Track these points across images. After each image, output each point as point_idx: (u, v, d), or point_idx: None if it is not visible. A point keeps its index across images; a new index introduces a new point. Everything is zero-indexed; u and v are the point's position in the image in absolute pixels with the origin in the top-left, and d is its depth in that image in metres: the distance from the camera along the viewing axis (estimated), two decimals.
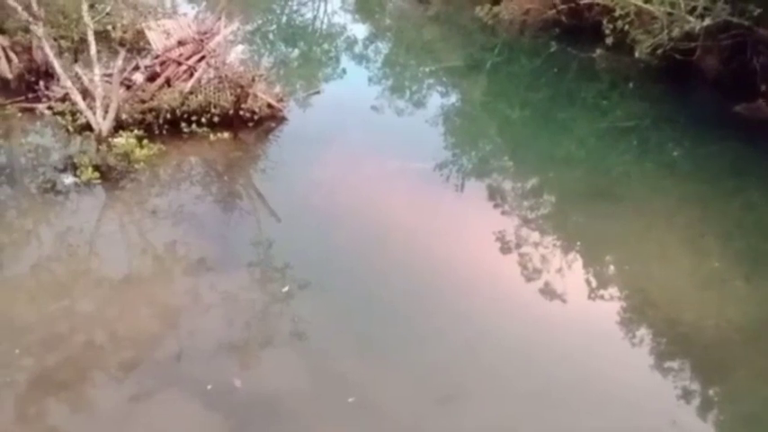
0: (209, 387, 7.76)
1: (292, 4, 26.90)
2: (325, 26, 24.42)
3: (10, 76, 13.54)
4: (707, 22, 15.21)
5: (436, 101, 18.02)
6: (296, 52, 21.58)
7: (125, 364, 8.04)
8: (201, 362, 8.21)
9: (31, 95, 13.33)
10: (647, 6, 15.74)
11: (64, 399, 7.53)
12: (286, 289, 9.35)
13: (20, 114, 12.69)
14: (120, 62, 11.47)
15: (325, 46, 22.62)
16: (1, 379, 7.65)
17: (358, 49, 21.54)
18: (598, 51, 18.11)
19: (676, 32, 14.98)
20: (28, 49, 13.79)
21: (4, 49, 13.54)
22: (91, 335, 8.46)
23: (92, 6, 12.27)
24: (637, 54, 16.28)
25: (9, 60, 13.58)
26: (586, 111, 17.74)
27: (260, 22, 23.00)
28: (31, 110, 13.06)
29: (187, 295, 9.35)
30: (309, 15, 25.58)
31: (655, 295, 10.23)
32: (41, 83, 13.53)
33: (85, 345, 8.28)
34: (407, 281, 9.95)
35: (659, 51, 15.55)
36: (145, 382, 7.84)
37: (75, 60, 14.30)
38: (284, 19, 25.50)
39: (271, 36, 22.50)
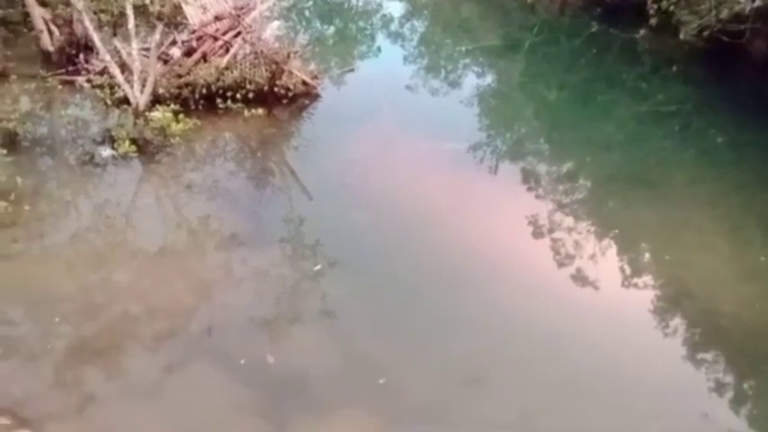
0: (241, 362, 7.88)
1: None
2: (360, 3, 24.15)
3: (51, 48, 13.71)
4: (758, 3, 14.60)
5: (472, 81, 17.73)
6: (331, 29, 21.40)
7: (158, 335, 8.22)
8: (232, 335, 8.35)
9: (71, 68, 13.51)
10: None
11: (100, 366, 7.72)
12: (318, 268, 9.38)
13: (60, 87, 12.87)
14: (157, 36, 11.53)
15: (361, 23, 22.35)
16: (40, 346, 7.89)
17: (393, 27, 21.26)
18: (641, 32, 17.54)
19: (725, 14, 14.39)
20: (69, 23, 13.91)
21: (45, 22, 13.71)
22: (126, 305, 8.63)
23: None
24: (682, 36, 15.76)
25: (51, 33, 13.75)
26: (626, 93, 17.25)
27: None
28: (71, 82, 13.25)
29: (220, 269, 9.49)
30: None
31: (692, 285, 10.02)
32: (81, 56, 13.71)
33: (121, 315, 8.46)
34: (437, 263, 9.92)
35: (705, 33, 14.98)
36: (177, 354, 8.02)
37: (114, 34, 14.45)
38: None
39: (306, 13, 22.37)
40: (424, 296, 9.33)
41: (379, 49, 19.19)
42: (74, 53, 13.70)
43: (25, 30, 14.51)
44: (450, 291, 9.46)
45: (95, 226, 10.05)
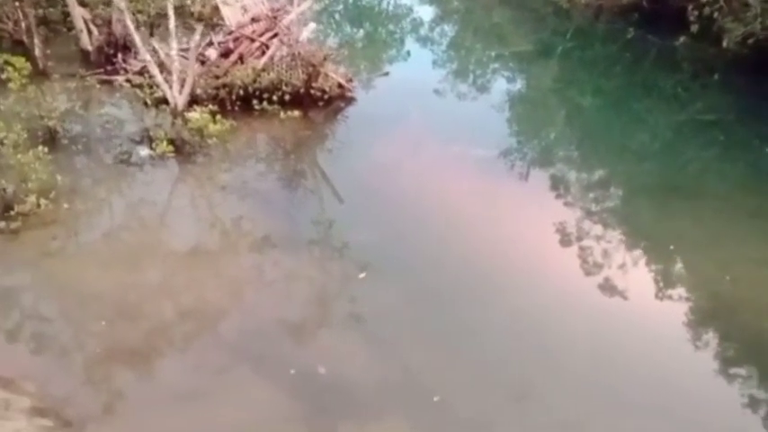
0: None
1: None
2: (390, 7, 24.10)
3: (90, 48, 13.87)
4: None
5: (502, 86, 17.58)
6: (361, 33, 21.38)
7: (190, 336, 8.21)
8: (269, 340, 8.31)
9: (109, 68, 13.65)
10: None
11: (141, 369, 7.72)
12: (363, 275, 9.29)
13: (99, 86, 12.98)
14: (197, 37, 11.58)
15: (391, 27, 22.32)
16: (79, 346, 7.91)
17: (423, 31, 21.17)
18: (681, 39, 17.14)
19: None
20: (108, 23, 14.08)
21: (85, 21, 13.88)
22: (160, 305, 8.65)
23: None
24: (725, 43, 15.34)
25: (90, 33, 13.91)
26: (664, 101, 16.94)
27: (327, 1, 22.89)
28: (110, 82, 13.37)
29: (252, 270, 9.48)
30: None
31: (733, 300, 9.73)
32: (119, 56, 13.85)
33: (155, 314, 8.47)
34: (466, 271, 9.78)
35: (750, 41, 14.57)
36: (208, 355, 7.99)
37: (151, 35, 14.59)
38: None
39: (336, 16, 22.38)
40: (457, 304, 9.19)
41: (408, 53, 19.10)
42: (112, 53, 13.85)
43: (64, 29, 14.70)
44: (480, 299, 9.32)
45: (131, 225, 10.11)
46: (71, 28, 14.24)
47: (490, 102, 16.22)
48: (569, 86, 18.02)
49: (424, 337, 8.57)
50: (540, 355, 8.48)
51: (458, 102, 16.10)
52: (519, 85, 18.38)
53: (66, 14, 14.47)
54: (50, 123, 11.16)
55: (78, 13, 13.69)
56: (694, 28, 15.75)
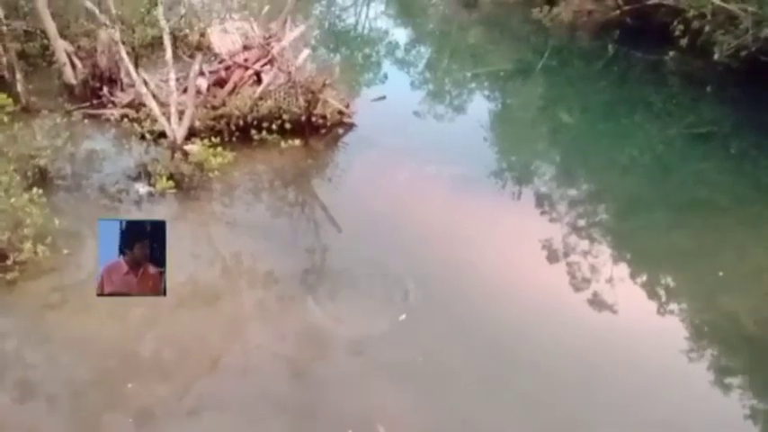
0: None
1: (335, 9, 26.43)
2: (366, 31, 23.90)
3: (74, 81, 13.19)
4: None
5: (487, 105, 17.39)
6: (337, 57, 21.02)
7: (189, 381, 7.67)
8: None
9: (95, 102, 13.00)
10: (729, 7, 14.89)
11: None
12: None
13: (86, 121, 12.32)
14: (197, 67, 11.03)
15: (367, 51, 22.09)
16: (65, 390, 7.27)
17: (400, 53, 20.91)
18: (671, 54, 17.22)
19: (765, 33, 14.09)
20: (91, 55, 13.43)
21: (68, 54, 13.20)
22: (159, 347, 8.11)
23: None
24: (716, 56, 15.43)
25: (74, 66, 13.24)
26: (654, 116, 16.87)
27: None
28: (97, 116, 12.71)
29: (256, 308, 9.00)
30: (351, 20, 25.09)
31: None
32: (105, 89, 13.20)
33: (152, 357, 7.91)
34: (473, 302, 9.38)
35: (743, 53, 14.69)
36: (206, 398, 7.50)
37: (137, 66, 13.95)
38: (326, 24, 25.03)
39: (313, 41, 22.03)
40: (473, 337, 8.79)
41: (386, 76, 18.81)
42: (98, 86, 13.17)
43: (44, 63, 13.99)
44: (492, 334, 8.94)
45: None
46: (51, 62, 13.56)
47: (477, 122, 15.86)
48: (554, 104, 17.86)
49: (454, 377, 8.17)
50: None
51: (435, 123, 15.76)
52: (503, 103, 18.20)
53: (46, 48, 13.79)
54: (41, 162, 10.46)
55: (60, 46, 13.02)
56: (684, 42, 15.79)
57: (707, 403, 8.32)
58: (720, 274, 10.47)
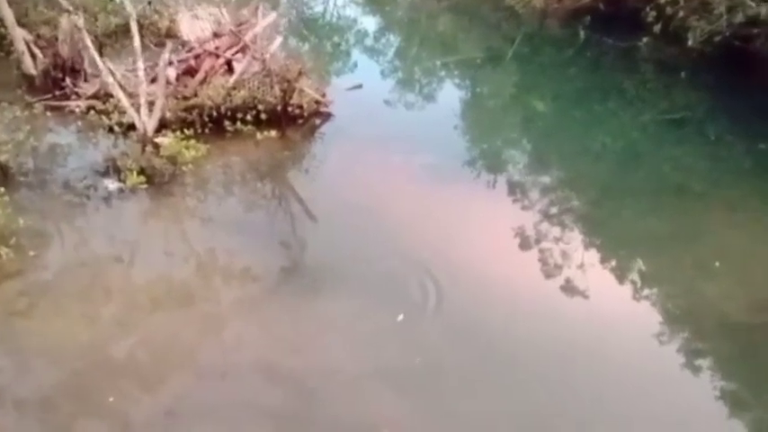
0: None
1: None
2: (335, 19, 23.42)
3: (34, 72, 12.50)
4: None
5: (455, 94, 17.12)
6: (306, 47, 20.53)
7: (161, 380, 7.36)
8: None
9: (58, 93, 12.35)
10: None
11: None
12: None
13: (48, 113, 11.69)
14: (166, 55, 10.53)
15: (336, 39, 21.65)
16: (34, 394, 6.91)
17: (369, 41, 20.51)
18: (644, 40, 17.20)
19: (739, 18, 14.12)
20: (52, 44, 12.75)
21: (27, 44, 12.50)
22: (132, 347, 7.76)
23: None
24: (690, 42, 15.44)
25: (33, 56, 12.53)
26: (627, 102, 16.86)
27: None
28: (60, 108, 12.07)
29: (233, 306, 8.62)
30: (320, 8, 24.57)
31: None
32: (68, 80, 12.55)
33: (126, 358, 7.56)
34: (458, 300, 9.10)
35: (717, 39, 14.71)
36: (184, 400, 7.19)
37: (101, 55, 13.31)
38: (293, 12, 24.45)
39: (281, 29, 21.47)
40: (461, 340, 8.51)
41: (355, 64, 18.44)
42: (60, 77, 12.51)
43: (1, 53, 13.24)
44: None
45: (108, 271, 8.92)
46: (9, 51, 12.83)
47: (451, 110, 15.58)
48: (526, 91, 17.69)
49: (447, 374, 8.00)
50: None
51: (405, 111, 15.45)
52: (477, 92, 18.01)
53: (3, 37, 13.04)
54: (1, 158, 9.87)
55: (19, 35, 12.31)
56: (657, 28, 15.78)
57: (679, 388, 8.26)
58: (697, 258, 10.46)
